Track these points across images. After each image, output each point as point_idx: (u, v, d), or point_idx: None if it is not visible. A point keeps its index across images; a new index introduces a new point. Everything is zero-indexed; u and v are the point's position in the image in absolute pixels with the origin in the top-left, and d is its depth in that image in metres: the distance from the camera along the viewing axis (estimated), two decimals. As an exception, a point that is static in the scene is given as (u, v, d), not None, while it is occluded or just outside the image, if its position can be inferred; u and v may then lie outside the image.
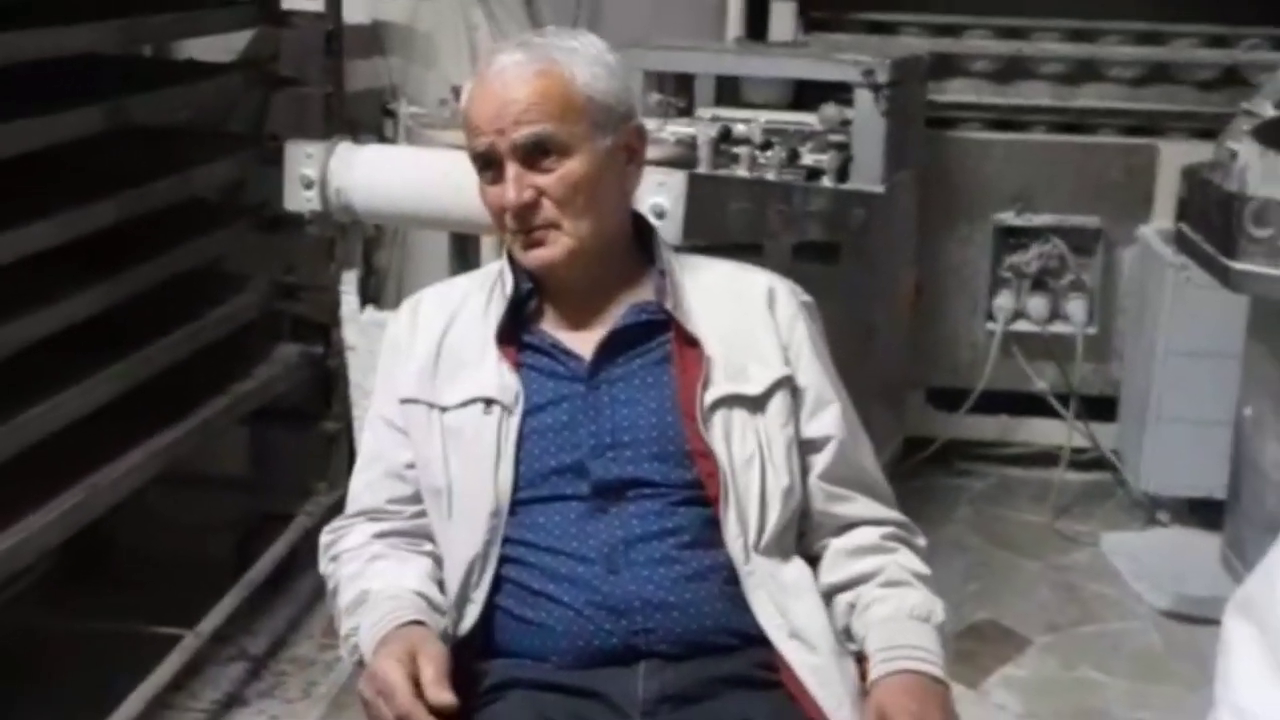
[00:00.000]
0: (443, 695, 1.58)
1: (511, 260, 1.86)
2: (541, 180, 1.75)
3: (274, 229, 3.30)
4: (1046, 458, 4.15)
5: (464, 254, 2.82)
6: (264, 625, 3.24)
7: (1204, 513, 3.77)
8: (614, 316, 1.83)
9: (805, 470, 1.83)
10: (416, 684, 1.59)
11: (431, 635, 1.67)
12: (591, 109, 1.77)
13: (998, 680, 3.15)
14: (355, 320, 2.83)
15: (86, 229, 2.61)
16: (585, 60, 1.78)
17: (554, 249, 1.77)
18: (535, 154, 1.74)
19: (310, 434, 3.48)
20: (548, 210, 1.76)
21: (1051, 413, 4.16)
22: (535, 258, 1.79)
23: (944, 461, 4.21)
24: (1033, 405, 4.20)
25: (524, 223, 1.76)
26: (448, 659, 1.63)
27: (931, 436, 4.19)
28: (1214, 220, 3.12)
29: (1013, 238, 4.17)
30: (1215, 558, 3.51)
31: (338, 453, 3.38)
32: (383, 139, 3.46)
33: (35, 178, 2.66)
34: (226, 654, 3.14)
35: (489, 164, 1.77)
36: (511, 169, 1.74)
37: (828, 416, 1.85)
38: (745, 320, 1.86)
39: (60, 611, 3.23)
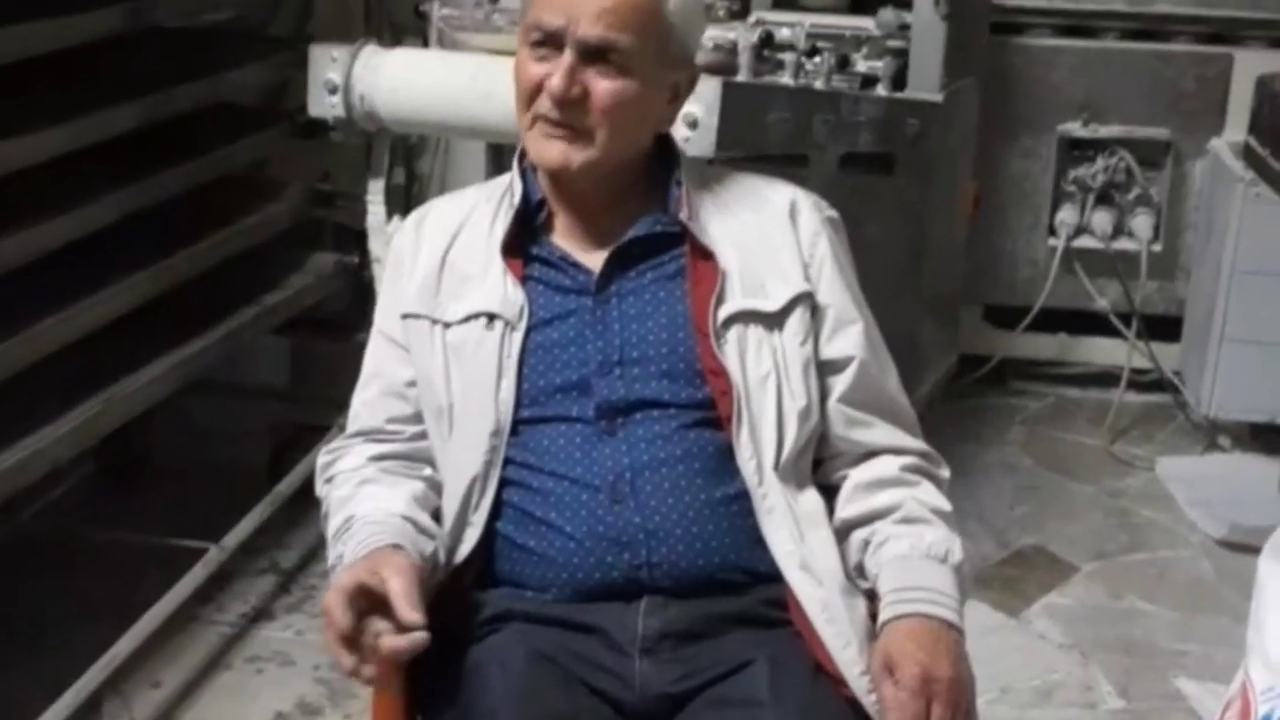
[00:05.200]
0: (411, 614, 1.50)
1: (522, 170, 1.79)
2: (593, 83, 1.67)
3: (311, 134, 3.22)
4: (1106, 378, 4.04)
5: (500, 161, 2.75)
6: (296, 538, 3.21)
7: (1267, 438, 3.67)
8: (627, 228, 1.75)
9: (825, 393, 1.75)
10: (382, 604, 1.51)
11: (399, 555, 1.58)
12: (668, 39, 1.71)
13: (1040, 609, 3.08)
14: (382, 231, 2.77)
15: (105, 134, 2.56)
16: None
17: (574, 154, 1.69)
18: (598, 56, 1.66)
19: (348, 344, 3.43)
20: (589, 115, 1.68)
21: (1112, 332, 4.03)
22: (552, 151, 1.70)
23: (999, 380, 4.10)
24: (1093, 324, 4.07)
25: (560, 113, 1.68)
26: (416, 575, 1.55)
27: (988, 354, 4.08)
28: (1283, 134, 2.98)
29: (1077, 150, 4.02)
30: (1275, 485, 3.40)
31: (370, 364, 3.33)
32: (426, 43, 3.38)
33: (61, 81, 2.61)
34: (257, 567, 3.12)
35: (545, 41, 1.68)
36: (568, 58, 1.66)
37: (850, 336, 1.76)
38: (765, 234, 1.78)
39: (93, 520, 3.22)
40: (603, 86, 1.67)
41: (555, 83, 1.66)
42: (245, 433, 3.51)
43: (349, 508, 1.70)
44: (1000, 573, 3.20)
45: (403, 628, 1.50)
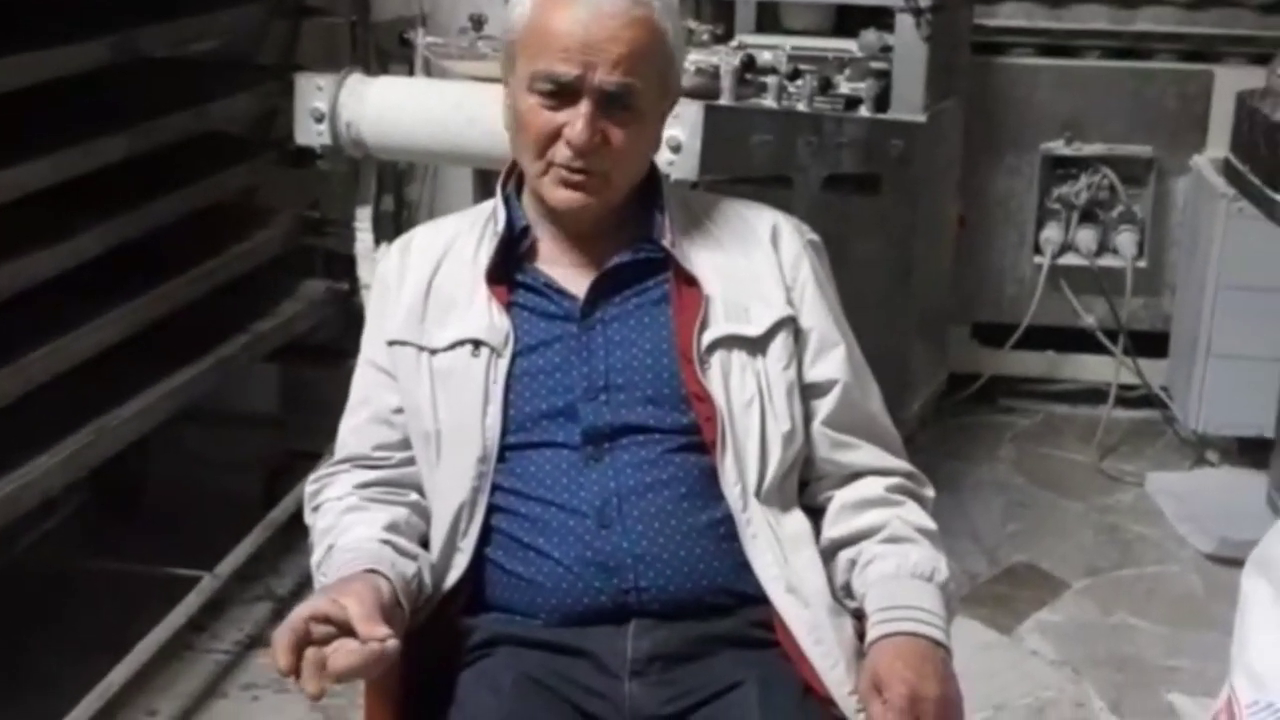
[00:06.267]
0: (375, 630, 1.48)
1: (505, 197, 1.80)
2: (611, 129, 1.67)
3: (299, 163, 3.23)
4: (1094, 394, 4.06)
5: (487, 187, 2.76)
6: (290, 565, 3.21)
7: (1255, 452, 3.66)
8: (611, 255, 1.76)
9: (809, 416, 1.76)
10: (347, 627, 1.49)
11: (359, 580, 1.57)
12: (669, 71, 1.73)
13: (1031, 625, 3.08)
14: (370, 258, 2.79)
15: (93, 165, 2.56)
16: (668, 11, 1.71)
17: (592, 197, 1.71)
18: (615, 102, 1.67)
19: (340, 370, 3.43)
20: (607, 160, 1.69)
21: (1100, 348, 4.05)
22: (573, 198, 1.71)
23: (988, 398, 4.12)
24: (1080, 341, 4.09)
25: (581, 162, 1.68)
26: (376, 596, 1.53)
27: (976, 372, 4.09)
28: (1261, 151, 2.99)
29: (1061, 168, 4.04)
30: (1263, 499, 3.41)
31: (363, 390, 3.33)
32: (412, 70, 3.39)
33: (48, 112, 2.61)
34: (252, 594, 3.13)
35: (559, 90, 1.67)
36: (587, 107, 1.66)
37: (832, 359, 1.78)
38: (748, 259, 1.79)
39: (89, 549, 3.23)
40: (620, 134, 1.68)
41: (578, 133, 1.65)
42: (238, 460, 3.51)
43: (330, 537, 1.71)
44: (991, 590, 3.21)
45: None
